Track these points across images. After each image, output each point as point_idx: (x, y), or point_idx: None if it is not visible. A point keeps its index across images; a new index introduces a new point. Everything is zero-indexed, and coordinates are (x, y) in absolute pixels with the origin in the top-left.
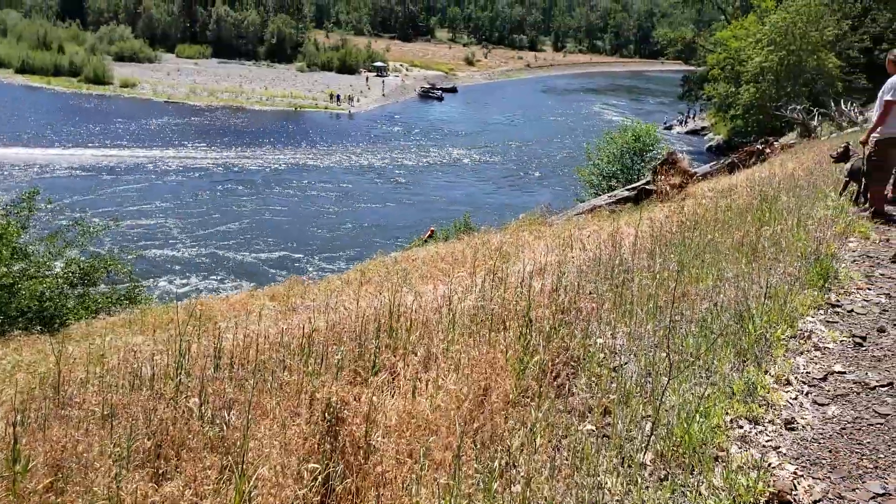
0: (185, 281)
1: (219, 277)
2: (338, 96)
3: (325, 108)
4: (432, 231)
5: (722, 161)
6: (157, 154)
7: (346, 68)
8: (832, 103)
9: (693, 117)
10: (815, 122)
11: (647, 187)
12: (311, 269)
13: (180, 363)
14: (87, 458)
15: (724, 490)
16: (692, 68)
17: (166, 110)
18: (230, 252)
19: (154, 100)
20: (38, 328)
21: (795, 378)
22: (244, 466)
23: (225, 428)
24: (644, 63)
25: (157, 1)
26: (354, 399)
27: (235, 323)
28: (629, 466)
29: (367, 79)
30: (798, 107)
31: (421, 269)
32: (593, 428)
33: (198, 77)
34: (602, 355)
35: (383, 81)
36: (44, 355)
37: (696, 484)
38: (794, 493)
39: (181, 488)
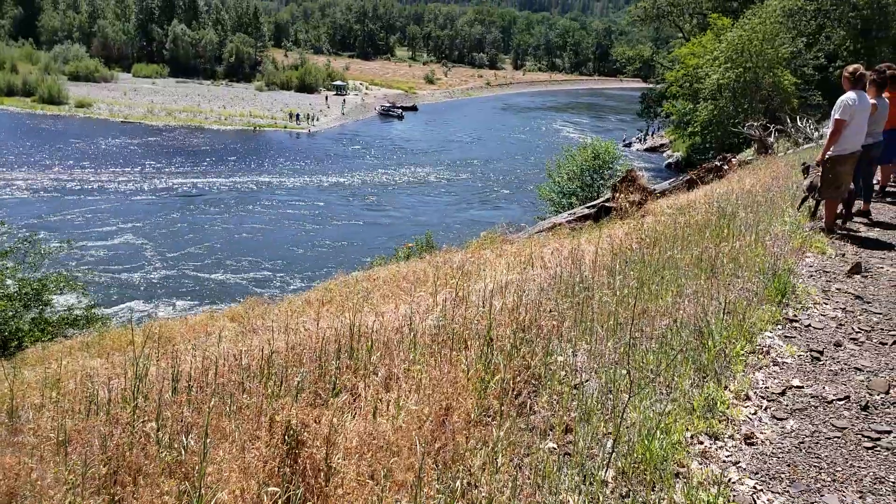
0: (144, 302)
1: (178, 299)
2: (297, 115)
3: (285, 128)
4: (409, 246)
5: (681, 178)
6: (115, 175)
7: (306, 87)
8: (788, 120)
9: (652, 134)
10: (771, 139)
11: (606, 204)
12: (271, 290)
13: (137, 387)
14: (41, 486)
15: None
16: (651, 85)
17: (123, 130)
18: (190, 273)
19: (111, 119)
20: None
21: (754, 393)
22: (203, 491)
23: (183, 452)
24: (603, 81)
25: (113, 20)
26: (315, 421)
27: (194, 345)
28: (591, 484)
29: (326, 98)
30: (755, 123)
31: (382, 288)
32: (555, 446)
33: (155, 97)
34: (563, 373)
35: (343, 100)
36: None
37: (657, 500)
38: None
39: None
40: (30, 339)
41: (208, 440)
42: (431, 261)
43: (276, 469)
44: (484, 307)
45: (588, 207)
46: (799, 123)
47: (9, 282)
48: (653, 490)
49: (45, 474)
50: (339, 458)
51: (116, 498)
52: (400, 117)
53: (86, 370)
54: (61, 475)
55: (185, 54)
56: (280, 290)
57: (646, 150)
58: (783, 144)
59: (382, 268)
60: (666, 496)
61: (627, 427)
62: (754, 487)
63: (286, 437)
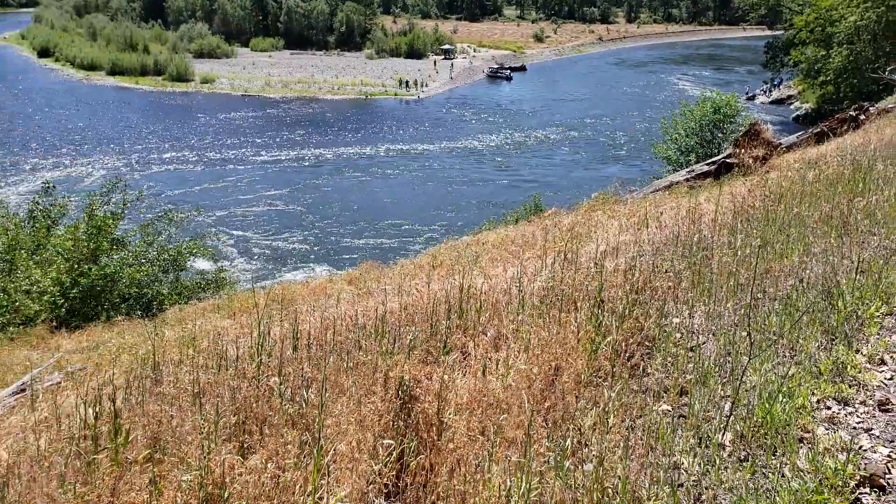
0: (268, 266)
1: (300, 263)
2: (406, 82)
3: (395, 95)
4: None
5: (810, 130)
6: (237, 146)
7: (414, 53)
8: None
9: (778, 86)
10: None
11: (727, 161)
12: (387, 253)
13: (261, 344)
14: (180, 432)
15: (809, 472)
16: (777, 33)
17: (244, 103)
18: (310, 238)
19: (232, 94)
20: (139, 313)
21: (891, 357)
22: (322, 441)
23: (304, 405)
24: (724, 30)
25: None
26: (426, 377)
27: (314, 306)
28: (707, 447)
29: (434, 62)
30: None
31: (491, 252)
32: (669, 408)
33: (272, 70)
34: (678, 335)
35: (451, 64)
36: (144, 338)
37: (778, 465)
38: (888, 476)
39: (264, 461)
40: (168, 301)
41: (327, 394)
42: (540, 223)
43: (391, 423)
44: (594, 269)
45: (707, 164)
46: None
47: (150, 249)
48: (773, 455)
49: (183, 422)
50: (450, 414)
51: (245, 445)
52: (508, 78)
53: (217, 329)
54: (197, 423)
55: (298, 26)
56: (395, 254)
57: (771, 102)
58: None
59: (491, 232)
60: (788, 461)
61: (747, 390)
62: (889, 456)
63: (400, 392)
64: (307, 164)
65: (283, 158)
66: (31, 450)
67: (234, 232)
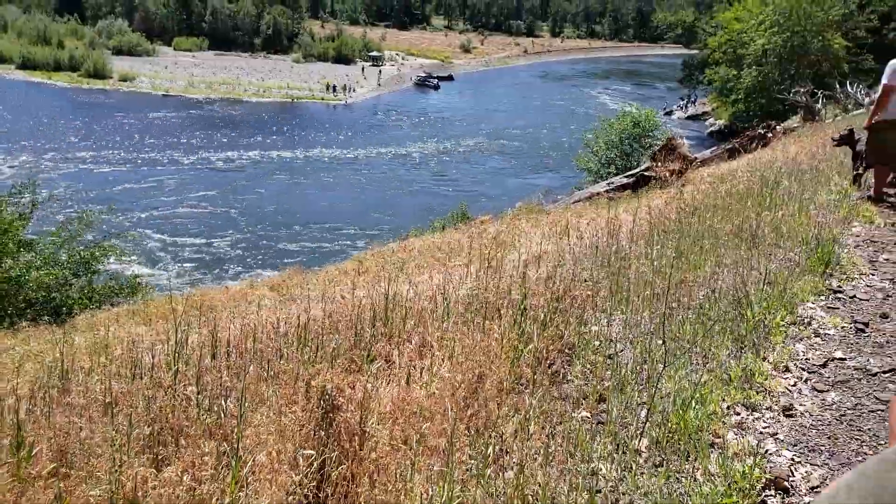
0: (186, 272)
1: (222, 268)
2: (334, 87)
3: (322, 99)
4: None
5: (723, 146)
6: (157, 148)
7: (342, 58)
8: (837, 85)
9: (694, 102)
10: (819, 105)
11: (645, 174)
12: (310, 260)
13: (178, 352)
14: (89, 445)
15: (719, 476)
16: (693, 52)
17: (165, 103)
18: (234, 243)
19: (153, 93)
20: (46, 318)
21: (794, 365)
22: (241, 452)
23: (223, 415)
24: (644, 48)
25: None
26: (349, 386)
27: (234, 313)
28: (624, 453)
29: (362, 69)
30: (802, 89)
31: (417, 259)
32: (588, 415)
33: (195, 70)
34: (597, 343)
35: (379, 71)
36: (51, 345)
37: (691, 470)
38: (791, 479)
39: (179, 473)
40: (79, 306)
41: (246, 404)
42: (466, 231)
43: (312, 433)
44: (517, 277)
45: (627, 177)
46: (849, 89)
47: (60, 252)
48: (687, 460)
49: (92, 434)
50: (373, 423)
51: (160, 456)
52: (436, 87)
53: (131, 336)
54: (109, 434)
55: (223, 27)
56: (321, 259)
57: (687, 118)
58: (832, 111)
59: (417, 239)
60: (700, 466)
61: (662, 397)
62: (792, 459)
63: (322, 401)
64: (231, 166)
65: (205, 160)
66: None
67: (154, 235)
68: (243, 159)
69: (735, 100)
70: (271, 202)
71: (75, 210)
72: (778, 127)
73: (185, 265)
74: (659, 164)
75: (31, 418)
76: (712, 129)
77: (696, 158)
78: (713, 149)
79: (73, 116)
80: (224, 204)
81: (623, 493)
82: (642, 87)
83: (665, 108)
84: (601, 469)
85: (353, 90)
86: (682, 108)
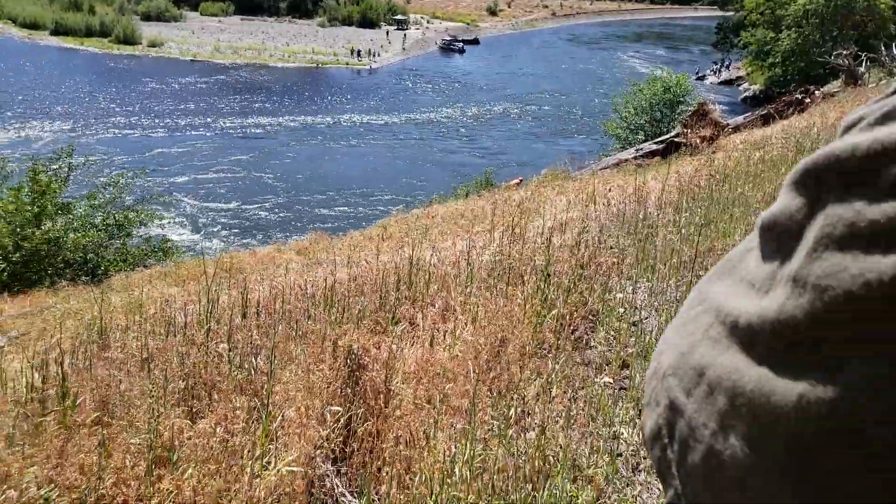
0: (215, 235)
1: (247, 232)
2: (359, 51)
3: (347, 64)
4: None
5: (757, 112)
6: (187, 113)
7: (367, 22)
8: (883, 48)
9: (728, 66)
10: (862, 69)
11: (675, 140)
12: (336, 225)
13: (210, 311)
14: (128, 397)
15: None
16: (728, 14)
17: (192, 69)
18: (258, 208)
19: (180, 58)
20: (84, 279)
21: None
22: (270, 407)
23: (253, 372)
24: (677, 9)
25: None
26: (375, 347)
27: (262, 276)
28: None
29: (387, 33)
30: (844, 52)
31: (441, 225)
32: (611, 380)
33: (221, 35)
34: (622, 310)
35: (404, 35)
36: (90, 304)
37: None
38: None
39: (213, 425)
40: (114, 267)
41: (275, 362)
42: (490, 198)
43: (339, 390)
44: (541, 244)
45: (656, 143)
46: (895, 51)
47: (96, 214)
48: None
49: (131, 387)
50: (397, 382)
51: (194, 409)
52: (461, 51)
53: (164, 297)
54: (146, 388)
55: None
56: (344, 225)
57: (720, 83)
58: (876, 75)
59: (441, 205)
60: None
61: None
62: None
63: (348, 360)
64: (259, 132)
65: (233, 126)
66: None
67: (186, 199)
68: (270, 125)
69: (772, 63)
70: (298, 167)
71: (110, 175)
72: (817, 92)
73: (215, 228)
74: (690, 130)
75: (74, 371)
76: (746, 94)
77: (728, 125)
78: (746, 115)
79: (105, 82)
80: (253, 169)
81: (644, 458)
82: (675, 51)
83: (698, 73)
84: (622, 433)
85: (378, 55)
86: (715, 72)
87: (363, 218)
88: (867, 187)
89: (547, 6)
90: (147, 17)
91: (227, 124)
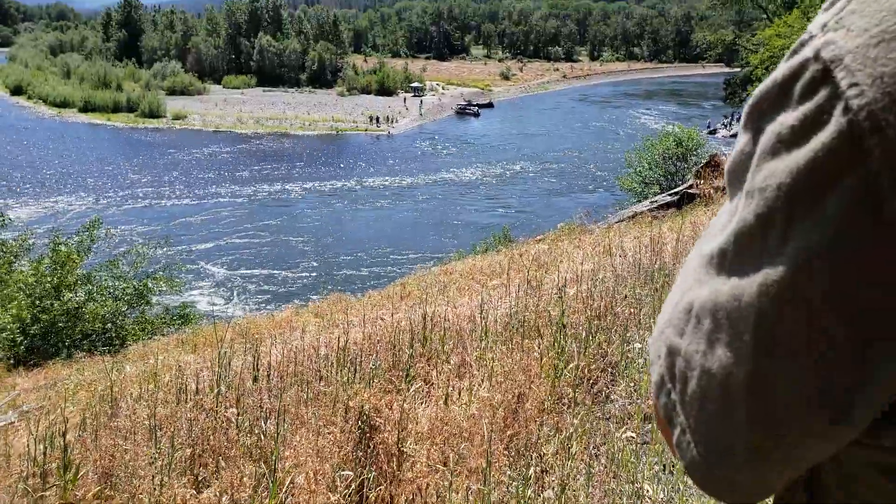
0: (239, 300)
1: (268, 296)
2: (377, 118)
3: (366, 130)
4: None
5: None
6: (210, 182)
7: (385, 90)
8: None
9: (737, 120)
10: None
11: (689, 191)
12: (355, 286)
13: (220, 375)
14: (133, 466)
15: None
16: (734, 70)
17: (215, 139)
18: (279, 272)
19: (203, 129)
20: (101, 349)
21: None
22: (279, 473)
23: (262, 437)
24: (684, 68)
25: (205, 36)
26: (387, 406)
27: (277, 339)
28: (671, 473)
29: (404, 100)
30: None
31: (459, 282)
32: (633, 435)
33: (244, 106)
34: (642, 361)
35: (420, 101)
36: (104, 374)
37: None
38: None
39: (218, 494)
40: (132, 337)
41: (286, 426)
42: (508, 253)
43: (351, 453)
44: (557, 296)
45: (670, 195)
46: None
47: (116, 283)
48: None
49: (136, 456)
50: (411, 444)
51: (200, 478)
52: (476, 115)
53: (179, 364)
54: (152, 457)
55: (270, 64)
56: (365, 286)
57: (731, 136)
58: None
59: (459, 262)
60: None
61: None
62: None
63: (360, 422)
64: (281, 198)
65: (255, 192)
66: None
67: (206, 266)
68: (292, 190)
69: None
70: (319, 231)
71: (132, 244)
72: None
73: (235, 294)
74: (703, 181)
75: (79, 442)
76: None
77: None
78: None
79: (131, 154)
80: (274, 233)
81: None
82: (684, 107)
83: (709, 127)
84: (647, 490)
85: (396, 121)
86: (725, 126)
87: (384, 277)
88: (785, 103)
89: (557, 69)
90: (172, 92)
91: (250, 191)
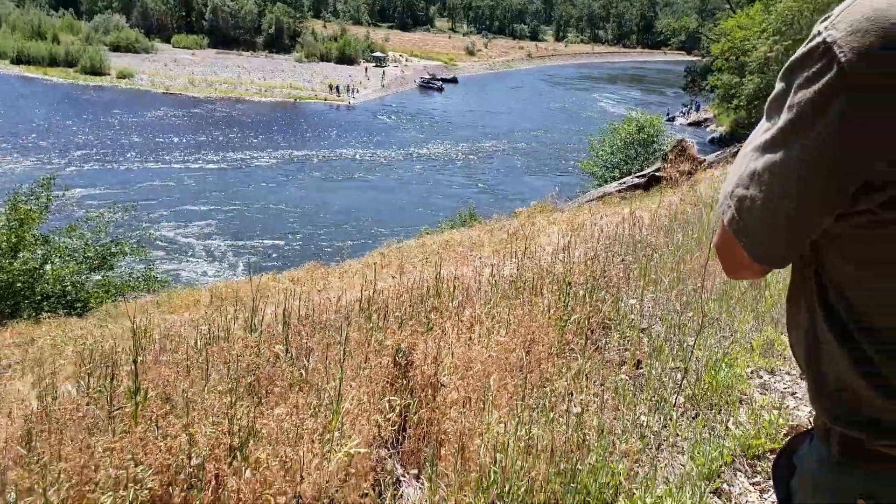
0: (197, 268)
1: (234, 265)
2: (337, 87)
3: (325, 100)
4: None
5: (728, 150)
6: (160, 146)
7: (345, 59)
8: None
9: (697, 109)
10: None
11: (656, 174)
12: (323, 257)
13: (253, 320)
14: (190, 394)
15: (749, 424)
16: (695, 59)
17: (165, 101)
18: (243, 241)
19: (152, 90)
20: (62, 311)
21: None
22: (340, 391)
23: (305, 371)
24: (647, 53)
25: None
26: (423, 342)
27: (270, 300)
28: (663, 407)
29: (366, 69)
30: None
31: (440, 252)
32: (627, 378)
33: (195, 68)
34: (632, 317)
35: (383, 72)
36: (86, 331)
37: (724, 420)
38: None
39: (287, 412)
40: (95, 300)
41: (328, 361)
42: (482, 228)
43: (390, 384)
44: (557, 259)
45: (638, 177)
46: None
47: (78, 244)
48: (719, 412)
49: (192, 385)
50: (445, 375)
51: (262, 402)
52: (440, 89)
53: (167, 323)
54: (213, 381)
55: (224, 25)
56: (335, 257)
57: (689, 124)
58: None
59: (431, 236)
60: (732, 417)
61: (694, 362)
62: (810, 413)
63: (397, 357)
64: (237, 165)
65: (210, 159)
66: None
67: (168, 233)
68: (252, 159)
69: (737, 106)
70: (280, 201)
71: (92, 209)
72: None
73: (200, 261)
74: (670, 164)
75: (129, 374)
76: (714, 135)
77: (704, 160)
78: (718, 153)
79: (74, 113)
80: (235, 202)
81: (665, 438)
82: (645, 93)
83: (668, 114)
84: (645, 421)
85: (357, 91)
86: (684, 114)
87: (352, 250)
88: (807, 64)
89: (522, 48)
90: (116, 48)
91: (210, 157)
